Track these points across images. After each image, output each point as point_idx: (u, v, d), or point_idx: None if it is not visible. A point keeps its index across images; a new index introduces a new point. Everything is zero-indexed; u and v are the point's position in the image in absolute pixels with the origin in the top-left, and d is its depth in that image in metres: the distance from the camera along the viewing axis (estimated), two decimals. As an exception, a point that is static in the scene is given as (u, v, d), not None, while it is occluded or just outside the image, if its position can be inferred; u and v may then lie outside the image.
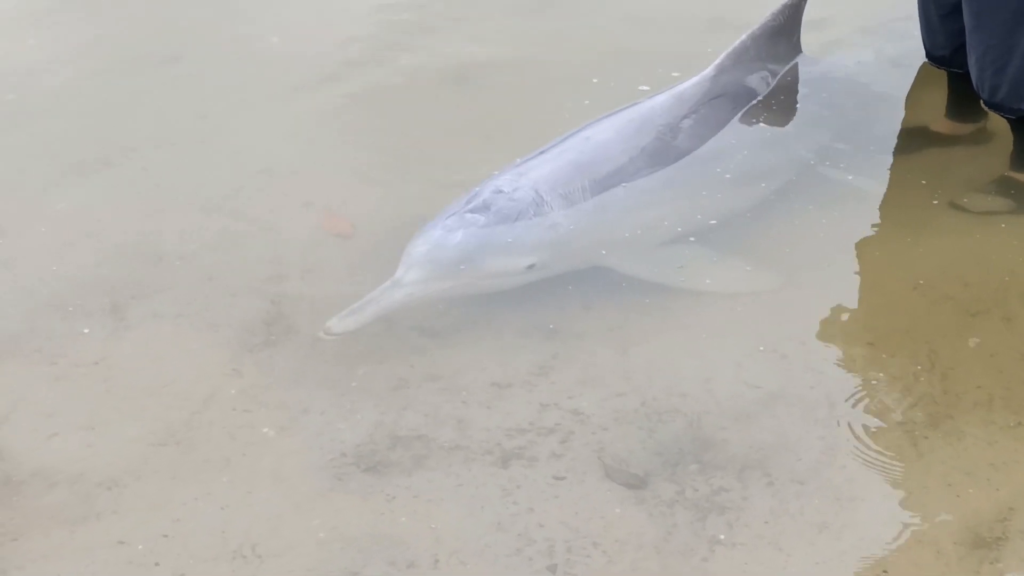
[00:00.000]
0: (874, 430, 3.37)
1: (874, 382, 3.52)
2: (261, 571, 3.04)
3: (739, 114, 4.24)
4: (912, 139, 4.49)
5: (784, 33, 4.44)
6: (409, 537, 3.11)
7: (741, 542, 3.07)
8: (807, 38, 4.55)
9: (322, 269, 4.00)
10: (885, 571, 3.02)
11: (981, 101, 4.18)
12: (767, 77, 4.39)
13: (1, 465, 3.33)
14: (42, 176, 4.49)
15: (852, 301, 3.85)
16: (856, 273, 3.96)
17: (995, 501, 3.16)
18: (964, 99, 4.36)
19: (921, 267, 3.92)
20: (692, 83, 4.26)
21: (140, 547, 3.10)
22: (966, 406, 3.43)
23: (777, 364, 3.59)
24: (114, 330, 3.77)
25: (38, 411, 3.50)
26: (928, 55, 4.50)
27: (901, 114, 4.59)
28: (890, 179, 4.34)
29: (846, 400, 3.46)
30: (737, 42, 4.34)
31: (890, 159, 4.42)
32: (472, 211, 3.79)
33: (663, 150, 4.03)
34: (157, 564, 3.05)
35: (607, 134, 4.06)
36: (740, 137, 4.20)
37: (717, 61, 4.30)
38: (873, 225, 4.15)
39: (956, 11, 4.15)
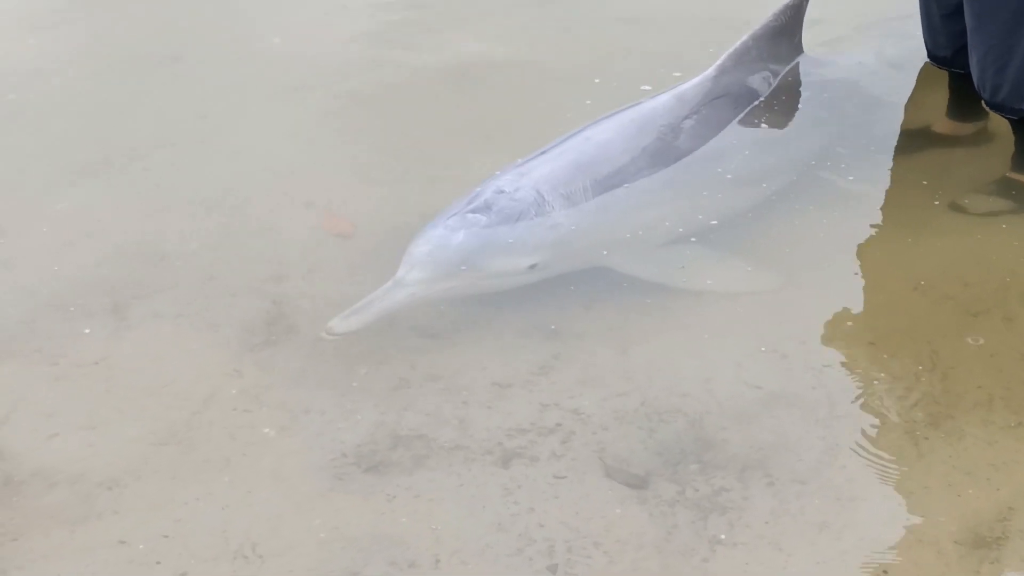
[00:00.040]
0: (875, 430, 3.37)
1: (875, 382, 3.52)
2: (262, 571, 3.04)
3: (740, 114, 4.24)
4: (913, 139, 4.50)
5: (786, 33, 4.44)
6: (410, 537, 3.11)
7: (742, 542, 3.07)
8: (808, 38, 4.55)
9: (323, 269, 4.00)
10: (886, 571, 3.02)
11: (982, 101, 4.18)
12: (768, 77, 4.39)
13: (1, 465, 3.33)
14: (42, 176, 4.49)
15: (853, 301, 3.85)
16: (857, 273, 3.96)
17: (995, 501, 3.16)
18: (965, 99, 4.37)
19: (922, 267, 3.92)
20: (693, 83, 4.26)
21: (141, 547, 3.09)
22: (967, 406, 3.43)
23: (778, 364, 3.59)
24: (114, 330, 3.77)
25: (38, 411, 3.50)
26: (930, 55, 4.50)
27: (902, 114, 4.59)
28: (891, 179, 4.34)
29: (847, 400, 3.46)
30: (739, 42, 4.34)
31: (891, 159, 4.42)
32: (474, 211, 3.79)
33: (664, 150, 4.03)
34: (158, 564, 3.05)
35: (608, 134, 4.06)
36: (741, 137, 4.20)
37: (718, 61, 4.30)
38: (874, 225, 4.15)
39: (958, 11, 4.15)
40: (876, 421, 3.40)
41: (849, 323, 3.77)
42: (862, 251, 4.04)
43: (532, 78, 4.99)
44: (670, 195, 4.01)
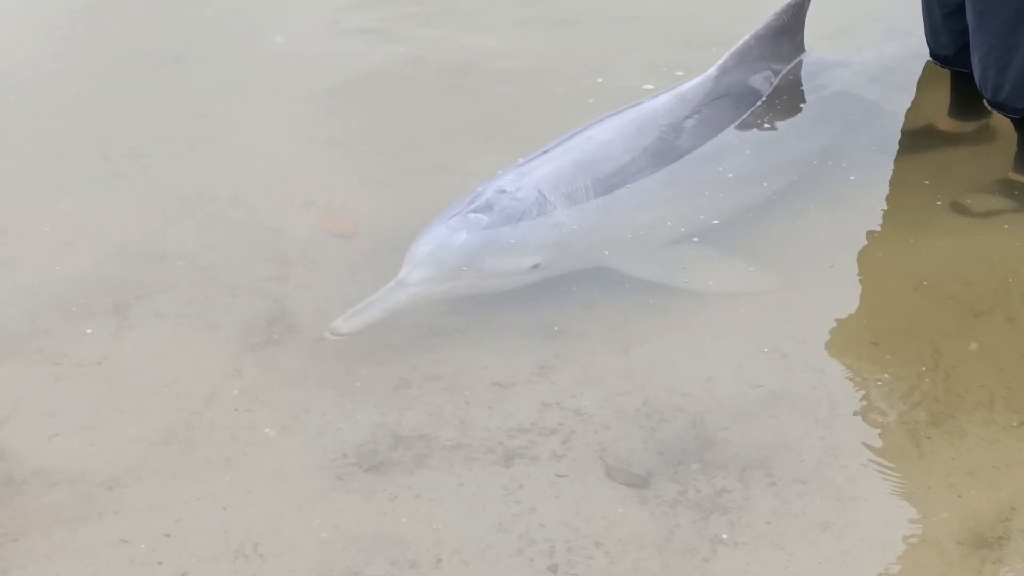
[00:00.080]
0: (876, 430, 3.37)
1: (876, 382, 3.52)
2: (263, 570, 3.04)
3: (742, 114, 4.24)
4: (915, 139, 4.49)
5: (787, 32, 4.43)
6: (411, 537, 3.11)
7: (743, 542, 3.07)
8: (810, 37, 4.54)
9: (323, 269, 4.00)
10: (887, 571, 3.01)
11: (984, 100, 4.18)
12: (770, 77, 4.39)
13: (2, 465, 3.33)
14: (42, 176, 4.49)
15: (854, 301, 3.85)
16: (858, 273, 3.96)
17: (997, 501, 3.16)
18: (967, 98, 4.36)
19: (923, 267, 3.92)
20: (695, 83, 4.26)
21: (142, 546, 3.09)
22: (968, 406, 3.43)
23: (778, 364, 3.59)
24: (115, 330, 3.77)
25: (39, 411, 3.50)
26: (932, 54, 4.49)
27: (903, 113, 4.58)
28: (892, 179, 4.33)
29: (848, 400, 3.46)
30: (740, 42, 4.34)
31: (892, 159, 4.41)
32: (475, 211, 3.78)
33: (666, 150, 4.03)
34: (159, 563, 3.05)
35: (610, 134, 4.06)
36: (742, 137, 4.20)
37: (720, 61, 4.30)
38: (875, 225, 4.15)
39: (960, 10, 4.15)
40: (878, 421, 3.40)
41: (850, 323, 3.77)
42: (863, 251, 4.03)
43: (533, 77, 4.99)
44: (671, 195, 4.01)
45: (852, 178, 4.26)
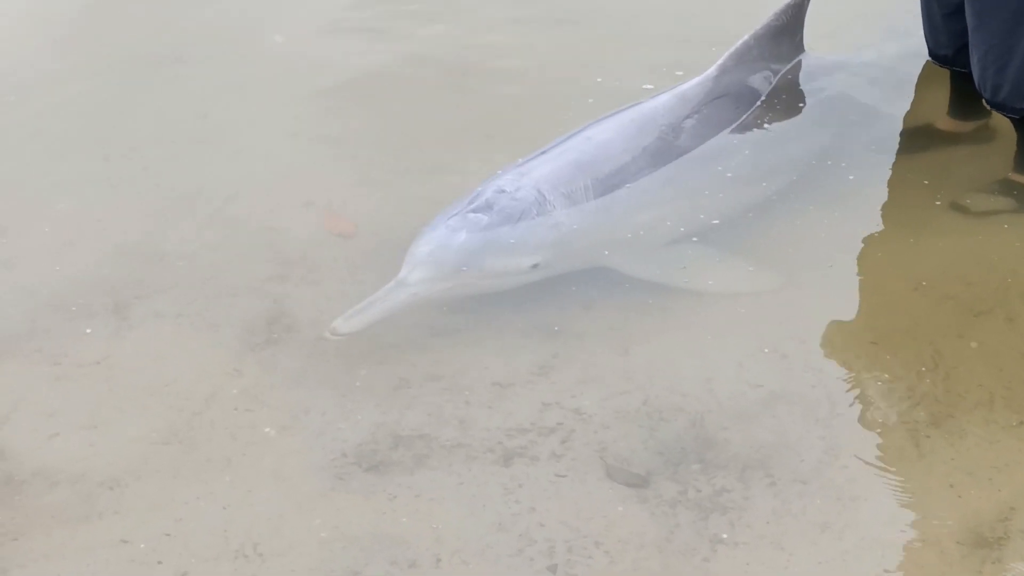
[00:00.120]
0: (876, 430, 3.37)
1: (876, 382, 3.52)
2: (263, 570, 3.04)
3: (741, 114, 4.24)
4: (914, 138, 4.49)
5: (787, 32, 4.43)
6: (411, 536, 3.11)
7: (743, 542, 3.07)
8: (809, 36, 4.54)
9: (323, 268, 4.00)
10: (887, 571, 3.01)
11: (983, 100, 4.18)
12: (769, 76, 4.39)
13: (3, 465, 3.33)
14: (42, 176, 4.49)
15: (854, 301, 3.85)
16: (858, 273, 3.96)
17: (997, 501, 3.16)
18: (967, 98, 4.36)
19: (923, 267, 3.92)
20: (695, 82, 4.26)
21: (142, 546, 3.10)
22: (968, 406, 3.43)
23: (778, 364, 3.59)
24: (115, 330, 3.77)
25: (39, 411, 3.50)
26: (931, 54, 4.49)
27: (903, 113, 4.58)
28: (892, 179, 4.34)
29: (848, 400, 3.46)
30: (740, 42, 4.34)
31: (892, 158, 4.41)
32: (475, 211, 3.79)
33: (665, 150, 4.03)
34: (159, 563, 3.05)
35: (609, 133, 4.06)
36: (742, 137, 4.20)
37: (720, 61, 4.30)
38: (875, 225, 4.15)
39: (959, 10, 4.15)
40: (877, 421, 3.40)
41: (850, 323, 3.77)
42: (863, 251, 4.03)
43: (533, 77, 4.99)
44: (671, 195, 4.01)
45: (852, 178, 4.26)
